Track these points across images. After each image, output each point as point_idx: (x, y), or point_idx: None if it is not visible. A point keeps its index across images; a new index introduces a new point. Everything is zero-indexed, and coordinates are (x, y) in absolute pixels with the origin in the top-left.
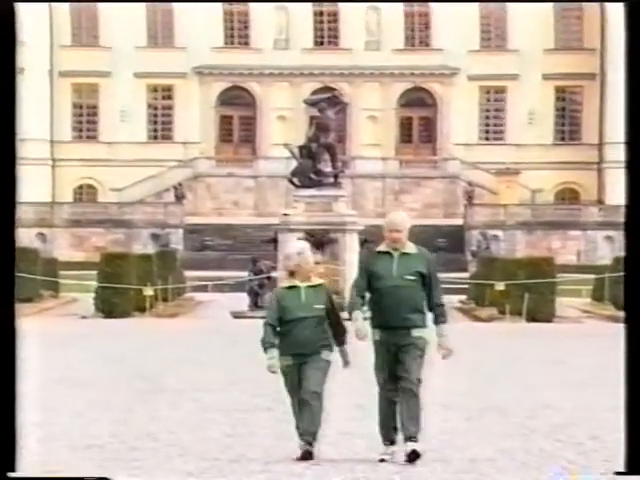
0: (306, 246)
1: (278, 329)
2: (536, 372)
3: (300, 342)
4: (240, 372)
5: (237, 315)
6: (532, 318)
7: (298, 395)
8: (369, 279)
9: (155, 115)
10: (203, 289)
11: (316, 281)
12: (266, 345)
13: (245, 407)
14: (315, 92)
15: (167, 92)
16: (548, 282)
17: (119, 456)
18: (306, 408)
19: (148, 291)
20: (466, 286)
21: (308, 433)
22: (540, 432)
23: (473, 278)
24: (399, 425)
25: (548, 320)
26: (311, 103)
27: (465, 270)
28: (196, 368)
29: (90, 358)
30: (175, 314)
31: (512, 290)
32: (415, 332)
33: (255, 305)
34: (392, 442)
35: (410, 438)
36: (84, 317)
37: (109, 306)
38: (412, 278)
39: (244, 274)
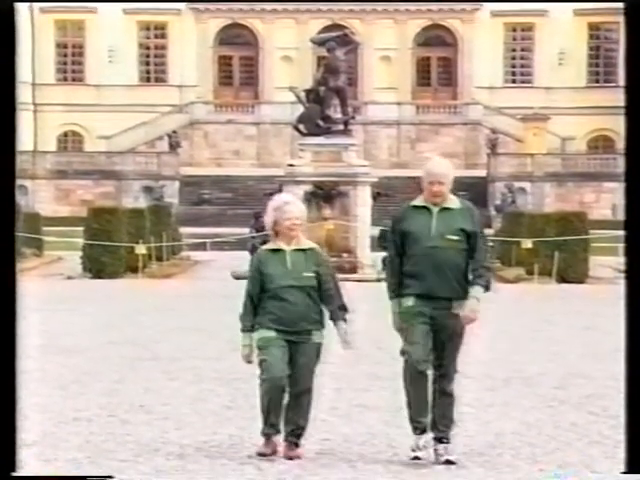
0: (290, 199)
1: (261, 300)
2: (566, 338)
3: (286, 317)
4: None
5: (238, 276)
6: (563, 279)
7: (282, 368)
8: (402, 241)
9: (147, 55)
10: (201, 247)
11: (306, 244)
12: (242, 328)
13: (246, 377)
14: (323, 30)
15: (160, 30)
16: (580, 239)
17: (109, 430)
18: (296, 407)
19: (140, 249)
20: (490, 244)
21: (294, 434)
22: (570, 404)
23: (498, 235)
24: (429, 422)
25: (580, 281)
26: (319, 42)
27: (489, 226)
28: (193, 334)
29: (77, 323)
30: (170, 275)
31: (541, 248)
32: (457, 307)
33: None
34: (424, 430)
35: (441, 440)
36: (70, 278)
37: (97, 266)
38: (455, 238)
39: (245, 230)
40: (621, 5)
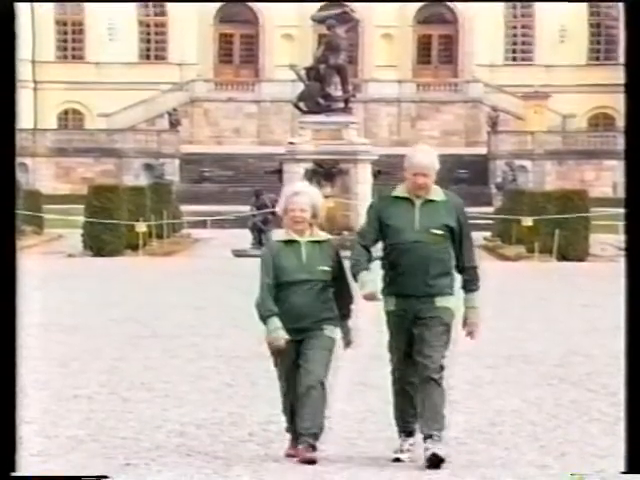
0: (305, 188)
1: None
2: (566, 316)
3: (299, 313)
4: (242, 316)
5: (239, 253)
6: (563, 257)
7: (294, 381)
8: (382, 232)
9: (147, 33)
10: (201, 225)
11: (321, 235)
12: (266, 313)
13: (247, 354)
14: (324, 8)
15: (160, 8)
16: (581, 217)
17: (109, 407)
18: (306, 401)
19: (141, 227)
20: (490, 222)
21: (309, 434)
22: (570, 381)
23: (498, 213)
24: (418, 420)
25: (581, 259)
26: (319, 20)
27: (489, 204)
28: (194, 312)
29: (77, 301)
30: (171, 252)
31: (541, 226)
32: (440, 301)
33: (258, 243)
34: (410, 433)
35: (431, 437)
36: (70, 255)
37: (98, 243)
38: (439, 232)
39: (246, 208)
40: None
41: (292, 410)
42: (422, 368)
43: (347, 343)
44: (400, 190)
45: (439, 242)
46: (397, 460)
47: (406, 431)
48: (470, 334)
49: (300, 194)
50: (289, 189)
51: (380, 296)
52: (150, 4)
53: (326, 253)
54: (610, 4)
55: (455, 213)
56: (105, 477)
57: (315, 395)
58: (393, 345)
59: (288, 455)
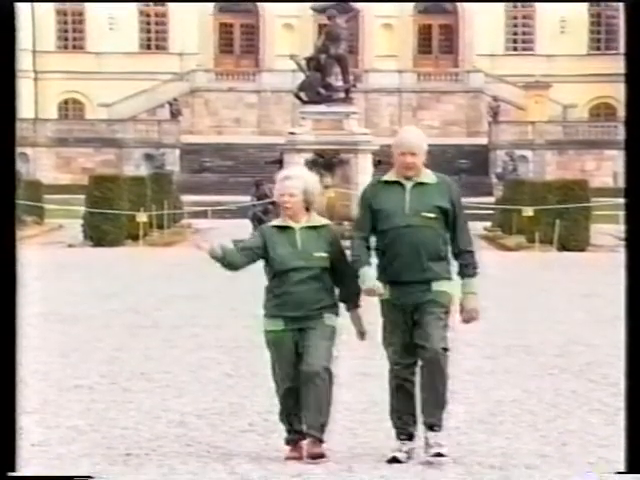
0: (300, 172)
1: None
2: (567, 306)
3: (297, 300)
4: (242, 306)
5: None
6: (564, 247)
7: (292, 375)
8: (374, 219)
9: (148, 23)
10: (202, 215)
11: (317, 221)
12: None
13: (248, 345)
14: None
15: None
16: (581, 207)
17: (110, 397)
18: (310, 391)
19: (141, 217)
20: (491, 212)
21: (314, 427)
22: (571, 371)
23: (499, 203)
24: (418, 408)
25: (581, 249)
26: (320, 10)
27: (490, 194)
28: (194, 302)
29: (77, 291)
30: (171, 243)
31: (542, 216)
32: (436, 286)
33: None
34: (410, 437)
35: (432, 427)
36: (71, 246)
37: (98, 234)
38: (431, 215)
39: (246, 199)
40: None
41: (289, 413)
42: (423, 350)
43: (360, 334)
44: (390, 174)
45: (431, 226)
46: (394, 459)
47: (404, 434)
48: (468, 321)
49: (290, 178)
50: (281, 174)
51: (382, 290)
52: None
53: (323, 239)
54: None
55: (448, 194)
56: (101, 477)
57: (319, 384)
58: (390, 337)
59: (291, 458)
